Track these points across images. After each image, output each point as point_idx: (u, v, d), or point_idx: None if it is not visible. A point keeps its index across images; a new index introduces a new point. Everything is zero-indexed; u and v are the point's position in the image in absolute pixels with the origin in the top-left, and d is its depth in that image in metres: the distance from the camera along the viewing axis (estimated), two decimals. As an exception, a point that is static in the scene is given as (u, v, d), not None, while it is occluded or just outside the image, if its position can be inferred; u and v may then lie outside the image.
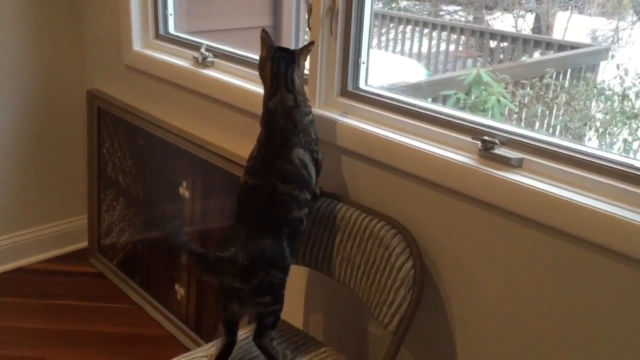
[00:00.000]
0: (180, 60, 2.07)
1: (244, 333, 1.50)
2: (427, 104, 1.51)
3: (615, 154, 1.19)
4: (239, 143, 1.87)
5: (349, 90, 1.62)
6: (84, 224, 2.61)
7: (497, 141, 1.31)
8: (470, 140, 1.36)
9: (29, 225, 2.54)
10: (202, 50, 1.99)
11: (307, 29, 1.68)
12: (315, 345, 1.51)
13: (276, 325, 1.40)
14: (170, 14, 2.20)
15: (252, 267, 1.32)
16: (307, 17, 1.65)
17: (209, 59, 1.98)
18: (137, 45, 2.20)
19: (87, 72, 2.50)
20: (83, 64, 2.50)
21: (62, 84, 2.49)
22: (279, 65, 1.42)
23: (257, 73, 1.85)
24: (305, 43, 1.51)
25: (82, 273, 2.53)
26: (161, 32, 2.20)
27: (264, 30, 1.47)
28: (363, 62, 1.62)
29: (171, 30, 2.21)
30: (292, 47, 1.49)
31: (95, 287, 2.44)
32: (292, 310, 1.42)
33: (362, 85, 1.63)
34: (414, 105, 1.50)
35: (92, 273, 2.53)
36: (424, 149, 1.40)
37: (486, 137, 1.32)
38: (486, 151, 1.32)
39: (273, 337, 1.40)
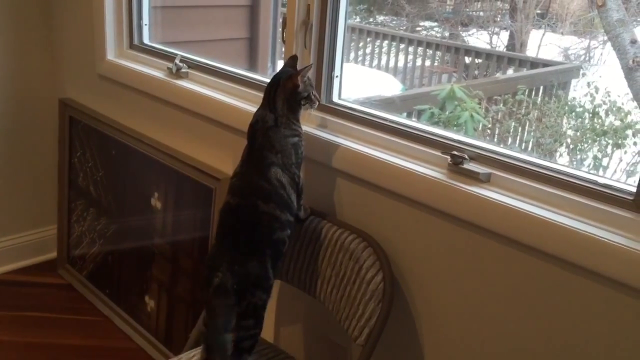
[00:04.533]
0: (154, 71, 2.06)
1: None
2: (398, 118, 1.52)
3: (580, 171, 1.22)
4: (212, 154, 1.87)
5: (322, 103, 1.63)
6: (53, 234, 2.57)
7: (466, 156, 1.33)
8: (440, 154, 1.38)
9: (-3, 235, 2.50)
10: (177, 61, 1.98)
11: (282, 42, 1.69)
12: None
13: (253, 350, 1.38)
14: (145, 24, 2.19)
15: (241, 291, 1.31)
16: (281, 30, 1.67)
17: (183, 70, 1.97)
18: (110, 55, 2.19)
19: (59, 81, 2.48)
20: (55, 73, 2.48)
21: (34, 92, 2.46)
22: (269, 85, 1.42)
23: (230, 85, 1.87)
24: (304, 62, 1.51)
25: (50, 284, 2.48)
26: (135, 42, 2.20)
27: (292, 56, 1.49)
28: (336, 76, 1.63)
29: (146, 40, 2.20)
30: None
31: (64, 298, 2.40)
32: (264, 322, 1.41)
33: (335, 98, 1.64)
34: (386, 119, 1.52)
35: (60, 284, 2.48)
36: (394, 163, 1.41)
37: (455, 152, 1.34)
38: (455, 166, 1.33)
39: None
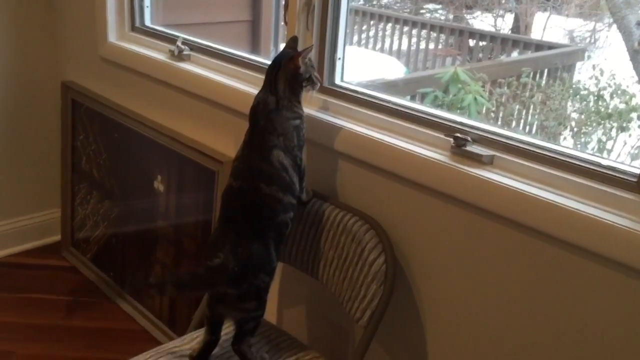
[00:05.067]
0: (156, 53, 2.05)
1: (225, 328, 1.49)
2: (401, 101, 1.51)
3: (583, 153, 1.21)
4: (215, 137, 1.87)
5: (324, 86, 1.62)
6: (57, 217, 2.58)
7: (469, 138, 1.33)
8: (443, 137, 1.37)
9: (1, 218, 2.50)
10: (178, 43, 1.97)
11: (284, 24, 1.68)
12: (296, 346, 1.50)
13: (256, 332, 1.40)
14: (147, 6, 2.18)
15: (243, 273, 1.32)
16: (284, 11, 1.66)
17: (185, 52, 1.97)
18: (112, 37, 2.18)
19: (61, 64, 2.47)
20: (57, 55, 2.47)
21: (36, 75, 2.45)
22: (270, 67, 1.41)
23: (232, 67, 1.86)
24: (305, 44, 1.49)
25: (54, 267, 2.50)
26: (137, 24, 2.18)
27: (292, 37, 1.48)
28: (339, 58, 1.62)
29: (147, 22, 2.19)
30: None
31: (68, 281, 2.42)
32: (267, 304, 1.42)
33: (338, 81, 1.64)
34: (389, 102, 1.51)
35: (65, 267, 2.50)
36: (397, 145, 1.40)
37: (458, 134, 1.33)
38: (458, 148, 1.33)
39: (252, 344, 1.40)
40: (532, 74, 3.95)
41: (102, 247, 2.37)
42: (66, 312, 2.24)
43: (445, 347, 1.43)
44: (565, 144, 3.74)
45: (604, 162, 1.17)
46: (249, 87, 1.74)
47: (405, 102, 1.52)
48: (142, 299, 2.20)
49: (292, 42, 1.48)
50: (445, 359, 1.44)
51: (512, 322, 1.29)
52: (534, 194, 1.19)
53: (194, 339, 1.50)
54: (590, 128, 3.76)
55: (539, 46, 4.68)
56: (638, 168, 1.12)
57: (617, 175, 1.15)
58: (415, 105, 1.50)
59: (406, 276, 1.46)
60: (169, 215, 2.03)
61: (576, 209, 1.14)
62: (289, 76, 1.39)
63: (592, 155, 1.20)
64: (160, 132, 2.01)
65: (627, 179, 1.14)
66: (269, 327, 1.56)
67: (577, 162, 1.20)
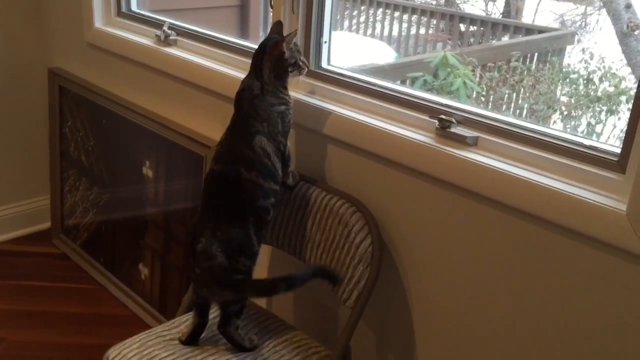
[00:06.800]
0: (142, 38, 2.04)
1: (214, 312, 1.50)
2: (387, 84, 1.52)
3: (566, 133, 1.22)
4: (202, 122, 1.87)
5: (310, 69, 1.62)
6: (46, 204, 2.58)
7: (453, 120, 1.33)
8: (428, 119, 1.38)
9: (-10, 206, 2.51)
10: (165, 28, 1.96)
11: (271, 8, 1.68)
12: (284, 328, 1.52)
13: (241, 314, 1.41)
14: (133, -9, 2.17)
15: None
16: (270, -5, 1.65)
17: (171, 37, 1.96)
18: (98, 23, 2.17)
19: (48, 50, 2.45)
20: (44, 42, 2.45)
21: (23, 62, 2.43)
22: (255, 52, 1.41)
23: (220, 52, 1.86)
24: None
25: (45, 254, 2.50)
26: (123, 9, 2.17)
27: (277, 22, 1.47)
28: (325, 42, 1.62)
29: (134, 7, 2.18)
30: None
31: (59, 267, 2.42)
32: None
33: (324, 64, 1.64)
34: (374, 85, 1.51)
35: (55, 254, 2.50)
36: (382, 128, 1.41)
37: (443, 116, 1.34)
38: (443, 130, 1.33)
39: (238, 326, 1.41)
40: (521, 58, 3.95)
41: (92, 234, 2.37)
42: (57, 298, 2.25)
43: (431, 326, 1.45)
44: (555, 128, 3.75)
45: (587, 142, 1.18)
46: (236, 71, 1.73)
47: (390, 84, 1.52)
48: (132, 285, 2.21)
49: (278, 26, 1.47)
50: (432, 338, 1.46)
51: (498, 300, 1.30)
52: (517, 175, 1.20)
53: (183, 323, 1.51)
54: (579, 111, 3.77)
55: (529, 30, 4.67)
56: (619, 147, 1.13)
57: (599, 155, 1.16)
58: (401, 88, 1.51)
59: (392, 257, 1.47)
60: (158, 201, 2.04)
61: (559, 189, 1.15)
62: (274, 62, 1.39)
63: (575, 135, 1.21)
64: (147, 118, 2.01)
65: (608, 159, 1.15)
66: (257, 309, 1.57)
67: (560, 143, 1.21)
